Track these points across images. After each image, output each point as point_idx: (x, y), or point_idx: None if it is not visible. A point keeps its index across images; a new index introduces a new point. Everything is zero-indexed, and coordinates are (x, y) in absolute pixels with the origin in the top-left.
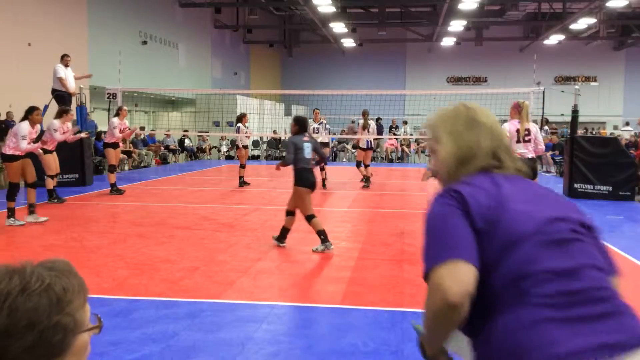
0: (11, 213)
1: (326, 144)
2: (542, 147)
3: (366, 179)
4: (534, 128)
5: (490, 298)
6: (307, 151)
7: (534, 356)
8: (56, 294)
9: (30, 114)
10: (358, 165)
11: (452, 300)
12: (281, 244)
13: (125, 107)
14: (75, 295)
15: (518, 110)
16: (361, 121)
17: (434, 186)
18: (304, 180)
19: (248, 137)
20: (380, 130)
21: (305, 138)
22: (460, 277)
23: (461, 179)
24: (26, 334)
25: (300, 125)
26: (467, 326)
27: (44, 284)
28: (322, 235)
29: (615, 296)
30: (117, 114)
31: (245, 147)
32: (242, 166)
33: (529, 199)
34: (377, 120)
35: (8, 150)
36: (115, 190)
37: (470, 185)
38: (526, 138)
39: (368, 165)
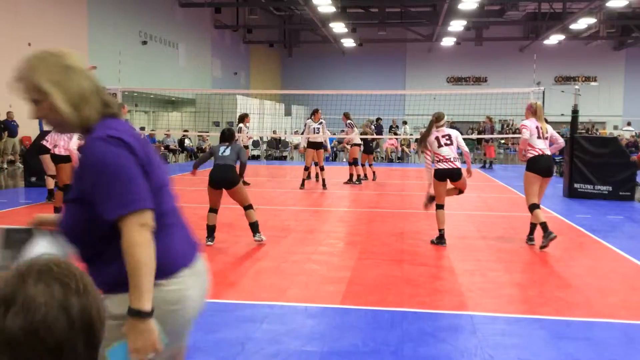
0: None
1: (320, 145)
2: (562, 142)
3: (357, 178)
4: (550, 127)
5: None
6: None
7: (180, 261)
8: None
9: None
10: (356, 163)
11: (149, 237)
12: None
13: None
14: None
15: (532, 111)
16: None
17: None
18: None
19: (250, 138)
20: (380, 131)
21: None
22: (150, 221)
23: (90, 124)
24: (101, 300)
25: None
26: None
27: (84, 277)
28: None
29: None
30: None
31: (246, 147)
32: None
33: (151, 147)
34: (377, 120)
35: (63, 151)
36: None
37: (125, 133)
38: (545, 135)
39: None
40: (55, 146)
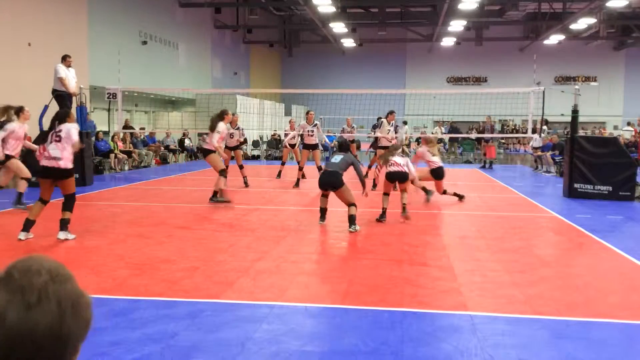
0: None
1: (316, 146)
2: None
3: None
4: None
5: None
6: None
7: None
8: (72, 278)
9: (225, 115)
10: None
11: None
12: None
13: (229, 111)
14: (74, 278)
15: (425, 140)
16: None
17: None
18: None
19: (240, 142)
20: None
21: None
22: None
23: None
24: (74, 314)
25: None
26: None
27: (64, 272)
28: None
29: None
30: (221, 118)
31: (233, 148)
32: (240, 167)
33: None
34: (378, 119)
35: (70, 164)
36: (216, 198)
37: None
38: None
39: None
40: (58, 158)
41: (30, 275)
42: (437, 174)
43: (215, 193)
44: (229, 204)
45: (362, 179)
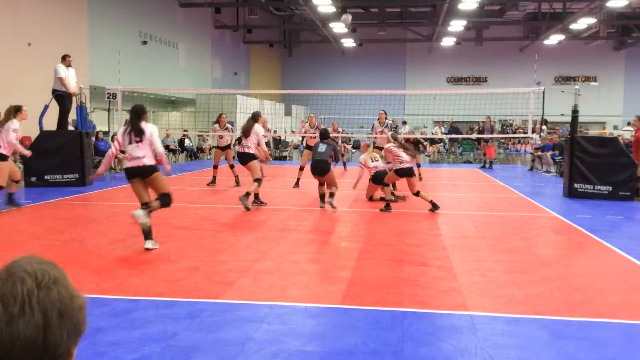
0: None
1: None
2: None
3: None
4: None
5: None
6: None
7: None
8: (63, 281)
9: (259, 118)
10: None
11: None
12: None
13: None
14: (67, 277)
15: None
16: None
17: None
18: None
19: (225, 140)
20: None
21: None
22: None
23: None
24: (61, 322)
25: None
26: None
27: (50, 275)
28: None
29: None
30: (256, 121)
31: (223, 148)
32: (215, 167)
33: None
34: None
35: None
36: (257, 201)
37: None
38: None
39: None
40: (141, 157)
41: (12, 283)
42: (377, 178)
43: (257, 196)
44: (254, 207)
45: (337, 155)
